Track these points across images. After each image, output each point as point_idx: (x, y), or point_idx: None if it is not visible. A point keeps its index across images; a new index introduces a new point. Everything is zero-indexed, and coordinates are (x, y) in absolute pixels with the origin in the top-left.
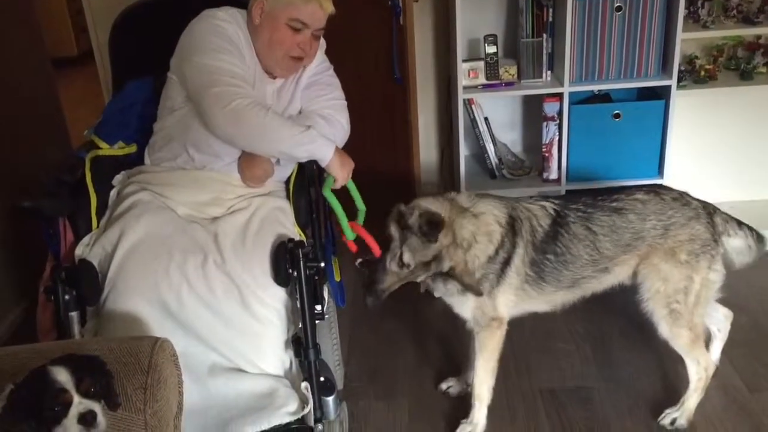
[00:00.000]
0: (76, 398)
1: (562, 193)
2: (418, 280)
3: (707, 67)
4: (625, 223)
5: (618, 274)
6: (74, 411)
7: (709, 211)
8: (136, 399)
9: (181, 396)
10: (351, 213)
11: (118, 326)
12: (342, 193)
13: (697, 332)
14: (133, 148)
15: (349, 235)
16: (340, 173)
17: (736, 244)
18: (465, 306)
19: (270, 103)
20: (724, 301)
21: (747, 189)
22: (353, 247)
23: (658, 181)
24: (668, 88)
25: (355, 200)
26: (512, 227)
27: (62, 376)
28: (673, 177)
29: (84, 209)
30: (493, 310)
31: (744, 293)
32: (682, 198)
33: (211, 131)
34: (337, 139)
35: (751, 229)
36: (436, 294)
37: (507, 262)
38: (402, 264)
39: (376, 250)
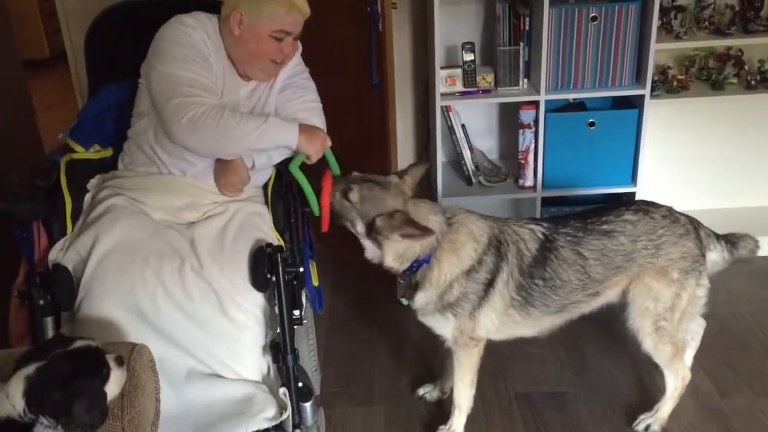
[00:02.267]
0: None
1: (537, 200)
2: (347, 226)
3: (680, 77)
4: (616, 246)
5: (607, 296)
6: (111, 361)
7: (695, 225)
8: (114, 405)
9: (159, 402)
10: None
11: (94, 332)
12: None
13: (680, 346)
14: (109, 152)
15: (316, 211)
16: (312, 148)
17: (712, 258)
18: (445, 327)
19: (246, 106)
20: None
21: (718, 197)
22: (325, 226)
23: (631, 189)
24: (642, 97)
25: (330, 166)
26: (498, 249)
27: (92, 342)
28: (646, 185)
29: (58, 213)
30: (472, 331)
31: (712, 299)
32: (671, 215)
33: (173, 142)
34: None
35: (727, 241)
36: (415, 309)
37: (490, 284)
38: (346, 196)
39: (325, 226)
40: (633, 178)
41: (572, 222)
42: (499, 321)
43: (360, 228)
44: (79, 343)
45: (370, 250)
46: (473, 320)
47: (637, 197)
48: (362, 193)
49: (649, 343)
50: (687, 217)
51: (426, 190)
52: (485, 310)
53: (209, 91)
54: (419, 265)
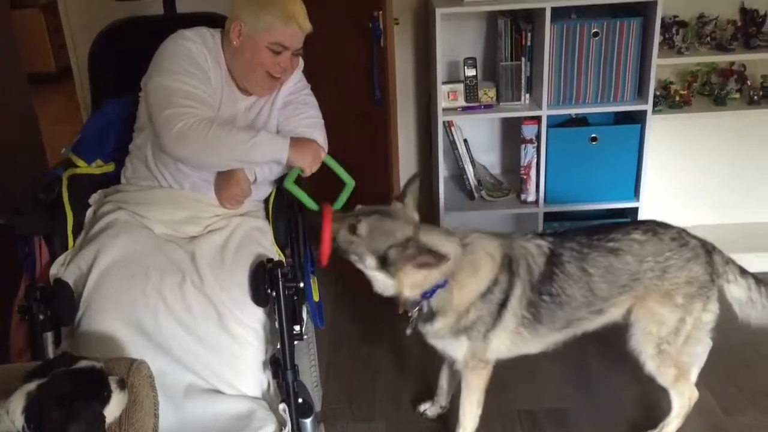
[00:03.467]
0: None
1: (539, 215)
2: (353, 260)
3: (682, 92)
4: (622, 265)
5: (611, 315)
6: (114, 383)
7: (708, 249)
8: (112, 422)
9: (157, 418)
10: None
11: (93, 347)
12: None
13: (684, 369)
14: (111, 167)
15: (312, 206)
16: (303, 162)
17: (736, 293)
18: (457, 349)
19: (244, 120)
20: None
21: (721, 212)
22: (325, 260)
23: (634, 204)
24: (644, 112)
25: (340, 176)
26: (509, 267)
27: (96, 363)
28: (649, 200)
29: (60, 228)
30: (483, 353)
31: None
32: (681, 237)
33: (164, 153)
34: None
35: (758, 281)
36: (428, 339)
37: (504, 304)
38: (354, 231)
39: (325, 259)
40: (636, 193)
41: (578, 237)
42: (510, 341)
43: (370, 262)
44: (82, 363)
45: (382, 283)
46: (486, 342)
47: (640, 212)
48: (371, 225)
49: (651, 366)
50: (699, 240)
51: (427, 199)
52: (498, 330)
53: (204, 104)
54: (434, 290)
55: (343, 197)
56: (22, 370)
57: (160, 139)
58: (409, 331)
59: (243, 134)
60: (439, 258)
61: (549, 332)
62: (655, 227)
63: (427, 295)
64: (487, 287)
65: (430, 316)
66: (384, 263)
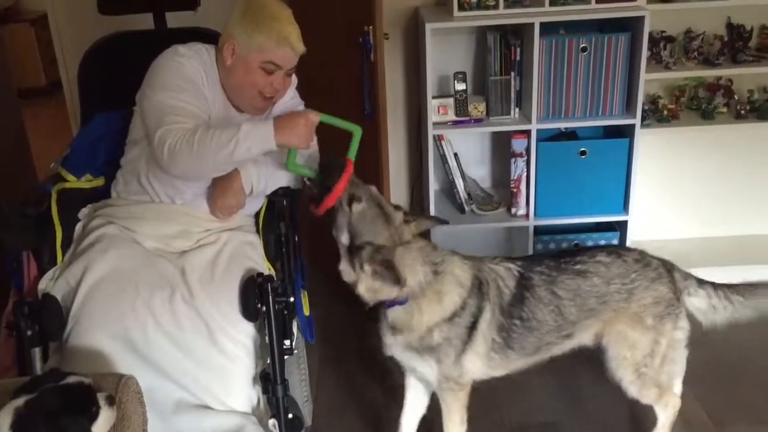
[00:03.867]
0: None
1: (529, 228)
2: (333, 228)
3: (670, 106)
4: (590, 287)
5: (580, 339)
6: (102, 400)
7: (668, 268)
8: None
9: None
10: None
11: (82, 362)
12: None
13: (666, 386)
14: (100, 182)
15: (355, 129)
16: (296, 139)
17: (697, 304)
18: (427, 372)
19: None
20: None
21: (709, 225)
22: (322, 210)
23: (623, 218)
24: (632, 126)
25: (345, 128)
26: (479, 290)
27: (84, 379)
28: (638, 213)
29: (49, 243)
30: (459, 377)
31: (706, 327)
32: (643, 258)
33: (166, 174)
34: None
35: (715, 286)
36: (387, 352)
37: (473, 327)
38: (350, 204)
39: (322, 209)
40: (625, 207)
41: (546, 261)
42: (483, 364)
43: (344, 239)
44: (71, 379)
45: (346, 268)
46: (459, 366)
47: (629, 225)
48: (365, 212)
49: (633, 390)
50: (659, 260)
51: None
52: (469, 355)
53: (194, 117)
54: (392, 304)
55: (354, 146)
56: (10, 386)
57: (157, 159)
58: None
59: (226, 133)
60: (395, 280)
61: (520, 357)
62: (618, 250)
63: (387, 305)
64: (452, 312)
65: (390, 328)
66: (352, 252)
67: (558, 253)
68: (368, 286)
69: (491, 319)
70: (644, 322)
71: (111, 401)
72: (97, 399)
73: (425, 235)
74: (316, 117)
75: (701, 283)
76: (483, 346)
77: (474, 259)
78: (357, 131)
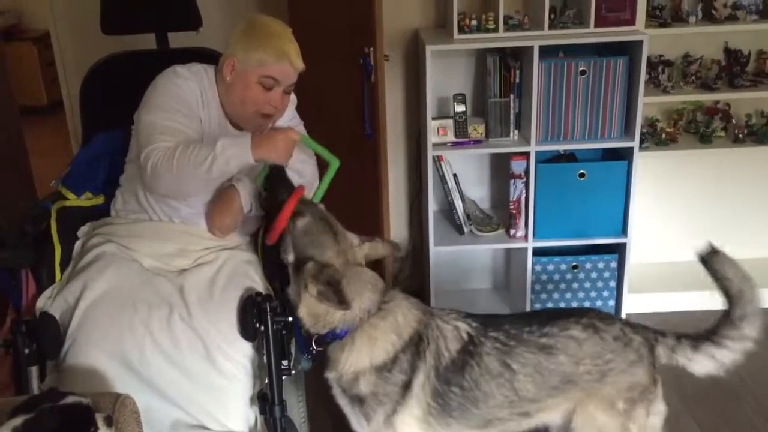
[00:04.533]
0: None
1: (528, 250)
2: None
3: (668, 130)
4: (554, 365)
5: (543, 418)
6: (100, 421)
7: (651, 345)
8: None
9: None
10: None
11: (79, 381)
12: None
13: None
14: (100, 200)
15: (333, 163)
16: (275, 153)
17: (699, 369)
18: (357, 424)
19: None
20: None
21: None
22: (273, 238)
23: (622, 240)
24: (631, 149)
25: (323, 156)
26: (417, 347)
27: (83, 400)
28: (637, 236)
29: (48, 261)
30: None
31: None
32: (624, 336)
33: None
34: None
35: (715, 342)
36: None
37: (407, 386)
38: (294, 220)
39: (274, 238)
40: (623, 229)
41: (507, 326)
42: (420, 429)
43: (290, 258)
44: (69, 399)
45: (292, 288)
46: (390, 427)
47: (628, 248)
48: (310, 227)
49: None
50: (642, 335)
51: (416, 233)
52: (403, 416)
53: (182, 137)
54: (332, 337)
55: (328, 177)
56: (7, 405)
57: (144, 178)
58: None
59: (204, 149)
60: (340, 300)
61: (464, 428)
62: (596, 322)
63: (326, 338)
64: (382, 362)
65: (329, 366)
66: (298, 269)
67: (528, 316)
68: (309, 309)
69: (425, 382)
70: (616, 407)
71: (109, 422)
72: (96, 420)
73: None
74: (296, 135)
75: (695, 345)
76: (418, 409)
77: (424, 310)
78: (334, 163)
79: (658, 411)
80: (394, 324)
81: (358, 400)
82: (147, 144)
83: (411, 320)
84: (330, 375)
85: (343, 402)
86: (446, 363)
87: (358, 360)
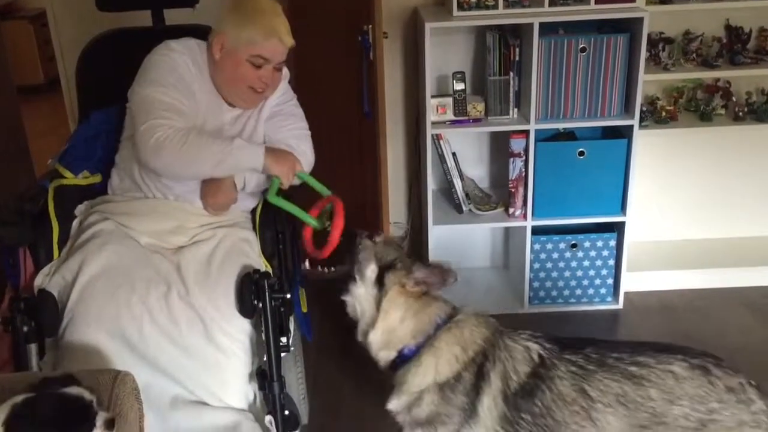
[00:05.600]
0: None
1: (527, 228)
2: (348, 268)
3: (668, 108)
4: (641, 398)
5: None
6: (100, 421)
7: None
8: None
9: (143, 430)
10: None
11: (78, 358)
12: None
13: None
14: (97, 178)
15: (314, 223)
16: (280, 170)
17: None
18: None
19: (230, 131)
20: None
21: (705, 227)
22: (327, 253)
23: (621, 219)
24: (631, 127)
25: (316, 189)
26: (480, 368)
27: (87, 394)
28: (636, 214)
29: (45, 239)
30: None
31: (704, 331)
32: (744, 391)
33: (142, 165)
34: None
35: None
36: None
37: (472, 410)
38: (371, 237)
39: (334, 240)
40: (623, 207)
41: (590, 349)
42: None
43: (370, 272)
44: (72, 390)
45: (367, 308)
46: None
47: (627, 226)
48: (390, 240)
49: None
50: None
51: (415, 213)
52: None
53: (182, 116)
54: (401, 360)
55: (318, 186)
56: (7, 381)
57: (138, 150)
58: None
59: (218, 144)
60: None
61: None
62: (710, 366)
63: (396, 362)
64: (446, 378)
65: (394, 390)
66: (383, 272)
67: (616, 343)
68: (387, 324)
69: (491, 406)
70: None
71: (110, 425)
72: (95, 419)
73: None
74: (299, 166)
75: None
76: None
77: (493, 328)
78: (326, 194)
79: None
80: (460, 337)
81: (419, 425)
82: (147, 117)
83: (477, 337)
84: (393, 402)
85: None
86: (515, 387)
87: (424, 376)
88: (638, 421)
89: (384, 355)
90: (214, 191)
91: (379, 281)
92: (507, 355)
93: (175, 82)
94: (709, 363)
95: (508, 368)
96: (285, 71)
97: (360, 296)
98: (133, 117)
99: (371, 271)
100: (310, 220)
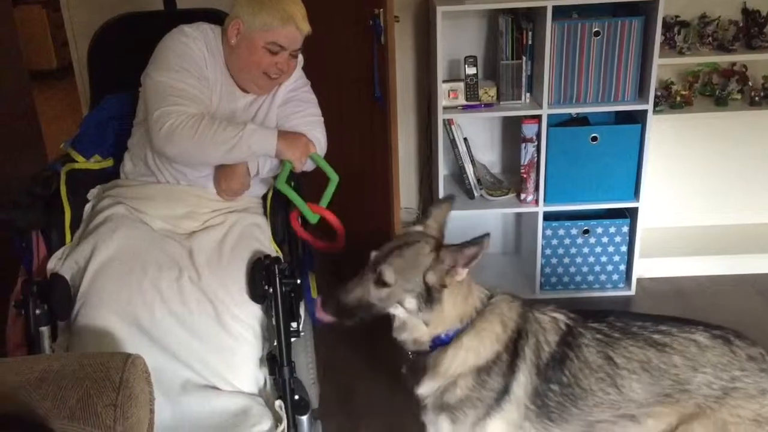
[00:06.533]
0: None
1: (539, 214)
2: (389, 310)
3: (683, 92)
4: (665, 365)
5: (650, 428)
6: None
7: None
8: (106, 416)
9: (153, 414)
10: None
11: (90, 341)
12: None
13: None
14: (109, 162)
15: (311, 218)
16: (293, 154)
17: None
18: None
19: (243, 117)
20: None
21: (720, 213)
22: (314, 240)
23: (634, 204)
24: (645, 112)
25: (325, 171)
26: (515, 344)
27: None
28: (649, 200)
29: (58, 223)
30: None
31: (717, 316)
32: (765, 360)
33: (155, 151)
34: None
35: None
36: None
37: (504, 391)
38: (380, 281)
39: (341, 229)
40: (636, 193)
41: (613, 318)
42: None
43: (411, 304)
44: None
45: (415, 325)
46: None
47: (640, 212)
48: (396, 266)
49: None
50: None
51: (426, 197)
52: (495, 421)
53: (196, 102)
54: (436, 344)
55: (329, 193)
56: (21, 364)
57: (151, 137)
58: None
59: (230, 129)
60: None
61: None
62: (731, 336)
63: (435, 343)
64: (486, 362)
65: (423, 372)
66: (428, 296)
67: (640, 314)
68: (451, 308)
69: (525, 382)
70: None
71: None
72: None
73: None
74: (312, 148)
75: None
76: (515, 413)
77: (523, 302)
78: (334, 179)
79: None
80: (501, 315)
81: (446, 407)
82: (161, 104)
83: (514, 313)
84: (426, 386)
85: (429, 418)
86: (546, 358)
87: (465, 359)
88: (662, 389)
89: (421, 342)
90: (228, 176)
91: (426, 296)
92: (539, 327)
93: (188, 67)
94: (730, 334)
95: (541, 340)
96: (299, 57)
97: (411, 318)
98: (146, 102)
99: (411, 303)
100: (310, 215)
